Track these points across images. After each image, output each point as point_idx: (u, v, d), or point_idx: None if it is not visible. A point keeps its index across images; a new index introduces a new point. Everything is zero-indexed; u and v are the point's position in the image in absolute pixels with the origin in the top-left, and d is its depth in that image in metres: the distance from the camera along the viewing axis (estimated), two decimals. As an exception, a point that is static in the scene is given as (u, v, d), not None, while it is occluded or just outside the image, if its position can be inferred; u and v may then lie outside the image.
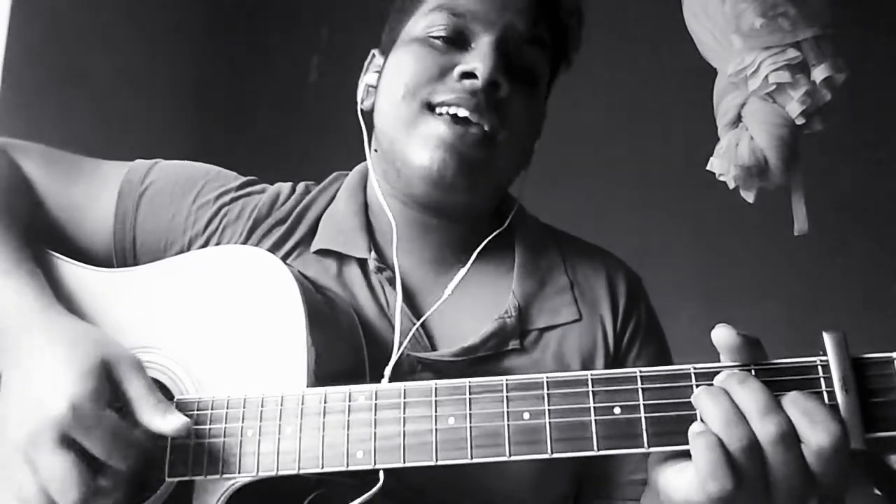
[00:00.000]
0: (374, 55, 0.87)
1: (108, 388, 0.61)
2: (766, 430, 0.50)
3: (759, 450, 0.50)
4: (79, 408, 0.58)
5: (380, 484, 0.61)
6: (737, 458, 0.50)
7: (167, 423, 0.60)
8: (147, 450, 0.61)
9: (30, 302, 0.68)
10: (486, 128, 0.75)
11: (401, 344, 0.73)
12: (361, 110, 0.85)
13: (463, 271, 0.80)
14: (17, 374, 0.64)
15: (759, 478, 0.51)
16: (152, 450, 0.62)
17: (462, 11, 0.77)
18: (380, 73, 0.83)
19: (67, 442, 0.58)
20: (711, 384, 0.53)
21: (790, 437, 0.50)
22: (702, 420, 0.52)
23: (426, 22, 0.78)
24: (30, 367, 0.62)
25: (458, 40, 0.77)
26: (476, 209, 0.83)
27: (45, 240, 0.80)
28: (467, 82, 0.74)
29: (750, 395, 0.51)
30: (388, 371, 0.70)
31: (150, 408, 0.61)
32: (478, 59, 0.74)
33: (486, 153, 0.76)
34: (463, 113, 0.74)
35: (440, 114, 0.75)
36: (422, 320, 0.77)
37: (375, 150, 0.83)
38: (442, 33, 0.77)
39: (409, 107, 0.76)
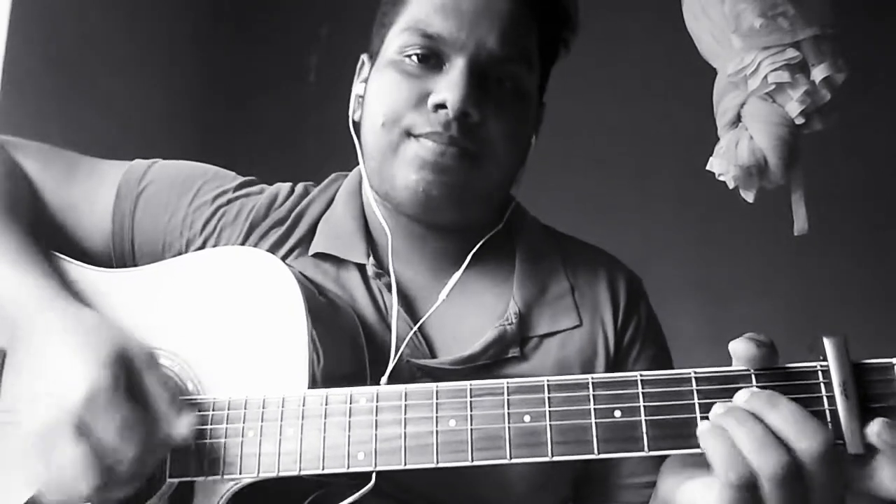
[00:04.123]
0: (363, 62, 0.85)
1: (124, 379, 0.60)
2: (805, 447, 0.49)
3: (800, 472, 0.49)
4: (95, 396, 0.58)
5: (370, 484, 0.61)
6: (776, 484, 0.49)
7: (181, 424, 0.60)
8: (157, 442, 0.61)
9: (41, 291, 0.67)
10: (464, 148, 0.73)
11: (398, 349, 0.73)
12: (353, 122, 0.83)
13: (457, 275, 0.79)
14: (29, 362, 0.63)
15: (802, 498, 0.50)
16: (162, 442, 0.61)
17: (433, 33, 0.74)
18: (366, 86, 0.81)
19: (84, 430, 0.58)
20: (711, 387, 0.54)
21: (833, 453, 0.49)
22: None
23: (400, 41, 0.76)
24: (44, 354, 0.62)
25: (433, 61, 0.74)
26: (470, 221, 0.81)
27: (46, 239, 0.80)
28: (441, 112, 0.73)
29: (785, 418, 0.50)
30: (383, 380, 0.70)
31: (167, 405, 0.61)
32: (447, 89, 0.72)
33: (469, 172, 0.74)
34: (438, 141, 0.73)
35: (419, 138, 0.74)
36: (418, 325, 0.77)
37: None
38: (415, 53, 0.74)
39: (389, 135, 0.75)
